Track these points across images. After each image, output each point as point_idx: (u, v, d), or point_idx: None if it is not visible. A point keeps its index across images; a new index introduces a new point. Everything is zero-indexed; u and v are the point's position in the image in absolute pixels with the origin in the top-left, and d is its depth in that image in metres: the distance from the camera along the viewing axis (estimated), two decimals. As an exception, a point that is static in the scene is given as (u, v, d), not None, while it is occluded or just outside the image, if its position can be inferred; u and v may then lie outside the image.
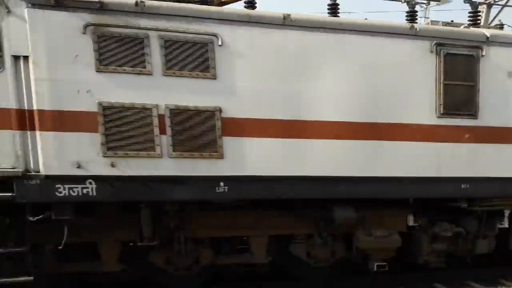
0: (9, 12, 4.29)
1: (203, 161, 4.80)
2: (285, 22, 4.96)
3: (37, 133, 4.37)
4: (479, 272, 6.77)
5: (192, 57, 4.71)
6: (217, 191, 4.85)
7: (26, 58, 4.34)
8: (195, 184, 4.81)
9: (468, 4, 6.17)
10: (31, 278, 4.48)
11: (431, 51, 5.41)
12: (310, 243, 5.71)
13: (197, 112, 4.74)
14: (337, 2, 5.44)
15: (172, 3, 4.78)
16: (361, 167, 5.23)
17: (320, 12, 7.69)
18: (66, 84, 4.41)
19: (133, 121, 4.60)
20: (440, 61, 5.42)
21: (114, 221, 4.98)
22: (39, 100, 4.34)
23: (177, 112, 4.69)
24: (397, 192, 5.44)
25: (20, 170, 4.35)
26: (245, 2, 5.15)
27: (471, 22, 6.11)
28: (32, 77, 4.34)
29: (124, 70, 4.55)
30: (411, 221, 5.95)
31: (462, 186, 5.64)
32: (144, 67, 4.60)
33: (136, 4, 4.53)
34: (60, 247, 4.64)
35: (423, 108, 5.45)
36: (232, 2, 5.97)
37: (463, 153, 5.60)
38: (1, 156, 4.31)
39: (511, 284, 6.41)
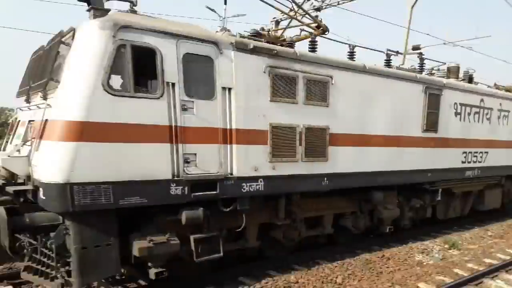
0: (221, 53, 5.64)
1: (318, 164, 6.91)
2: (363, 69, 7.44)
3: (234, 146, 5.82)
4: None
5: (319, 91, 6.77)
6: (323, 184, 7.05)
7: (229, 89, 5.75)
8: (312, 179, 6.90)
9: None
10: (221, 254, 5.92)
11: (422, 91, 8.64)
12: (354, 217, 8.32)
13: (319, 129, 6.84)
14: (390, 59, 8.26)
15: (306, 52, 6.74)
16: (391, 164, 8.11)
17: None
18: (252, 110, 5.98)
19: (286, 136, 6.42)
20: (426, 98, 8.70)
21: (258, 208, 6.62)
22: (237, 121, 5.81)
23: (308, 130, 6.69)
24: (406, 179, 8.53)
25: (223, 174, 5.76)
26: (348, 53, 7.44)
27: (439, 75, 9.71)
28: (233, 104, 5.77)
29: (284, 100, 6.34)
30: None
31: (428, 175, 9.09)
32: (295, 98, 6.47)
33: (294, 52, 6.36)
34: (239, 229, 6.17)
35: (416, 126, 8.64)
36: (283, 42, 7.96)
37: (431, 154, 9.04)
38: (212, 164, 5.65)
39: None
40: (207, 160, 5.60)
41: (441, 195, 9.77)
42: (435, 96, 8.95)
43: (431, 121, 8.92)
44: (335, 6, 11.13)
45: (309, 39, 7.40)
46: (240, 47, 5.83)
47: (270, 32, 7.20)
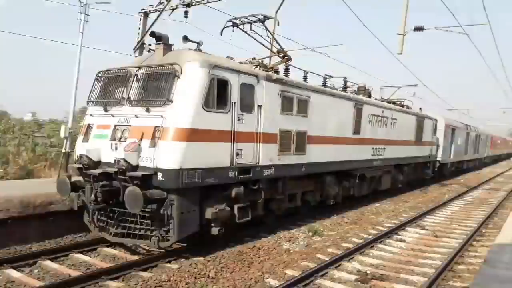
0: (259, 82, 8.46)
1: (301, 156, 10.08)
2: (325, 92, 10.90)
3: (260, 144, 8.65)
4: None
5: (303, 107, 9.96)
6: (302, 170, 10.26)
7: (260, 106, 8.58)
8: (298, 167, 10.05)
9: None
10: (249, 218, 8.66)
11: (353, 106, 12.48)
12: (312, 194, 11.66)
13: (302, 132, 10.02)
14: (325, 81, 11.85)
15: (299, 81, 9.93)
16: (336, 156, 11.71)
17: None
18: (271, 120, 8.89)
19: (286, 137, 9.45)
20: (355, 110, 12.57)
21: (268, 187, 9.36)
22: (264, 127, 8.67)
23: (297, 133, 9.83)
24: (343, 167, 12.21)
25: (254, 163, 8.56)
26: (323, 82, 10.85)
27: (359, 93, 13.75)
28: (262, 116, 8.62)
29: (287, 113, 9.40)
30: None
31: (354, 164, 12.95)
32: (292, 112, 9.57)
33: (292, 81, 9.49)
34: (259, 201, 9.00)
35: (349, 130, 12.42)
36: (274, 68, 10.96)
37: (356, 149, 12.93)
38: (249, 156, 8.38)
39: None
40: (247, 154, 8.34)
41: (358, 178, 13.79)
42: (359, 109, 12.90)
43: (357, 126, 12.83)
44: (203, 4, 12.56)
45: (283, 65, 10.51)
46: (268, 79, 8.76)
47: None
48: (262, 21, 9.78)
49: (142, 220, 7.39)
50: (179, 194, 7.19)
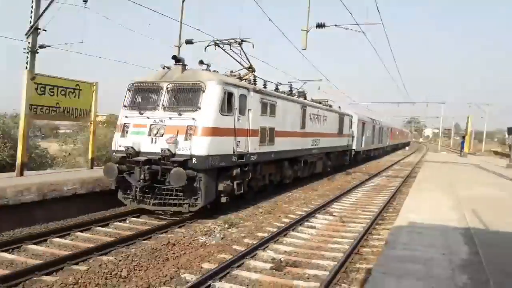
0: (249, 93, 11.89)
1: (271, 146, 13.64)
2: (285, 98, 14.70)
3: (249, 137, 12.03)
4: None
5: (273, 109, 13.59)
6: (272, 156, 13.86)
7: (250, 110, 11.99)
8: (270, 154, 13.59)
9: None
10: (242, 191, 12.01)
11: (301, 108, 16.42)
12: (274, 175, 15.20)
13: (272, 128, 13.60)
14: (278, 87, 15.96)
15: (270, 91, 13.53)
16: (291, 146, 15.51)
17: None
18: (255, 120, 12.33)
19: (264, 132, 12.94)
20: (301, 111, 16.54)
21: (252, 169, 12.68)
22: (251, 125, 12.08)
23: (270, 129, 13.37)
24: (294, 154, 16.08)
25: (246, 151, 11.91)
26: (275, 88, 14.54)
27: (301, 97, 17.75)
28: (250, 117, 12.03)
29: (264, 114, 12.96)
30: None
31: (301, 152, 16.90)
32: (266, 113, 13.14)
33: (267, 91, 13.15)
34: (248, 178, 12.36)
35: (298, 126, 16.31)
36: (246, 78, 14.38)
37: (302, 141, 16.87)
38: (243, 146, 11.74)
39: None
40: (242, 144, 11.67)
41: (303, 163, 17.77)
42: (304, 110, 16.89)
43: (303, 123, 16.79)
44: None
45: (251, 75, 13.88)
46: (254, 90, 12.26)
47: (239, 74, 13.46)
48: (240, 43, 13.13)
49: (177, 193, 10.35)
50: (205, 173, 10.32)
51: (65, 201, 10.65)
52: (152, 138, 10.51)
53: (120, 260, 7.11)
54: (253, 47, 13.29)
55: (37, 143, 22.78)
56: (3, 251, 7.65)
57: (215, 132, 10.36)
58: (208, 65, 11.44)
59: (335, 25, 16.18)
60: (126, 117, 11.13)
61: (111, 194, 11.31)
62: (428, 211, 9.89)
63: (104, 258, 7.40)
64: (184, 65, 11.26)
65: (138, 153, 10.47)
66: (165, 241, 8.35)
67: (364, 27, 15.47)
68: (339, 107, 26.27)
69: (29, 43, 12.17)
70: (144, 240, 8.72)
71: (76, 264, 7.06)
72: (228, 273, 6.76)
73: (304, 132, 16.96)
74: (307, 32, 14.63)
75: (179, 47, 17.71)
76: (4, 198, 9.23)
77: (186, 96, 10.66)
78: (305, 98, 18.79)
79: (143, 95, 11.25)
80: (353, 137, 27.91)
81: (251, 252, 7.77)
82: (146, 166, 10.16)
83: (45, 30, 12.27)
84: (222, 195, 11.10)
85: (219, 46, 13.11)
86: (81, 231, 9.33)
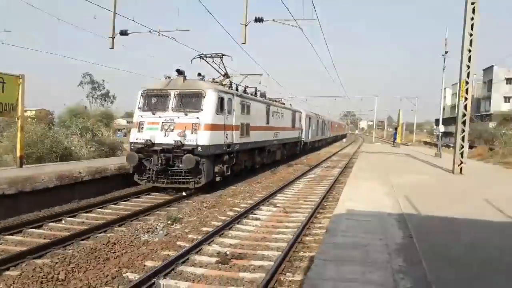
0: (234, 97, 15.49)
1: (248, 138, 17.13)
2: (256, 100, 18.65)
3: (234, 131, 15.51)
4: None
5: (247, 109, 17.18)
6: (248, 146, 17.42)
7: (234, 110, 15.51)
8: (246, 144, 17.08)
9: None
10: (229, 173, 15.47)
11: (266, 107, 20.37)
12: (249, 161, 18.36)
13: (247, 124, 17.10)
14: (246, 90, 20.62)
15: (247, 95, 17.46)
16: (260, 138, 19.11)
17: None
18: (237, 117, 15.83)
19: (242, 127, 16.41)
20: (267, 109, 20.52)
21: (236, 156, 15.81)
22: (235, 122, 15.59)
23: (246, 124, 16.87)
24: (263, 144, 19.91)
25: (232, 142, 15.36)
26: (244, 90, 18.91)
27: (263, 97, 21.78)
28: (234, 115, 15.57)
29: (242, 113, 16.56)
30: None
31: (267, 143, 20.56)
32: (244, 112, 16.76)
33: (245, 95, 17.06)
34: (233, 163, 15.83)
35: (264, 121, 20.08)
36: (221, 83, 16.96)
37: (267, 133, 20.61)
38: (230, 138, 15.12)
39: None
40: (229, 137, 15.03)
41: (267, 152, 21.31)
42: (268, 108, 20.76)
43: (268, 119, 20.57)
44: None
45: (227, 81, 17.11)
46: (237, 94, 15.77)
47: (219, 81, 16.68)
48: (221, 57, 16.59)
49: (185, 174, 13.41)
50: (207, 158, 13.62)
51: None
52: (164, 133, 13.51)
53: (56, 263, 6.75)
54: (232, 60, 16.97)
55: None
56: None
57: (213, 127, 13.68)
58: (203, 76, 15.00)
59: (273, 20, 16.35)
60: (141, 116, 14.02)
61: (43, 193, 11.05)
62: (365, 198, 10.25)
63: (39, 261, 6.97)
64: (184, 76, 14.34)
65: (153, 144, 13.41)
66: (104, 241, 8.06)
67: (301, 22, 15.84)
68: (290, 104, 30.42)
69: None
70: (82, 240, 8.30)
71: (7, 269, 6.60)
72: (172, 269, 6.65)
73: (268, 126, 20.71)
74: (246, 26, 14.67)
75: (113, 38, 17.01)
76: None
77: (190, 100, 13.84)
78: (265, 98, 22.16)
79: (154, 99, 14.27)
80: (302, 130, 31.83)
81: (196, 247, 7.71)
82: (162, 154, 13.16)
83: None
84: (217, 175, 14.56)
85: (203, 58, 16.42)
86: (11, 234, 8.69)
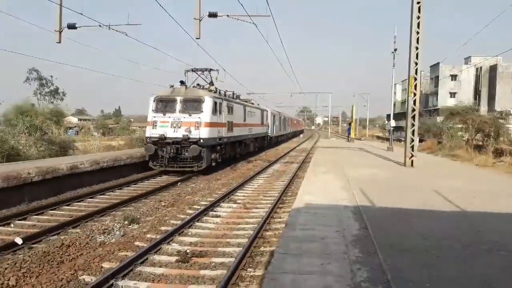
0: (223, 101, 20.14)
1: (232, 133, 21.71)
2: (238, 103, 23.50)
3: (223, 128, 20.07)
4: None
5: (231, 110, 21.87)
6: (233, 139, 22.07)
7: (223, 111, 20.05)
8: (230, 138, 21.62)
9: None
10: (220, 160, 20.01)
11: (243, 107, 25.09)
12: (231, 152, 22.67)
13: (231, 122, 21.69)
14: (226, 94, 25.46)
15: (231, 98, 22.25)
16: (240, 133, 23.89)
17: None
18: (225, 117, 20.40)
19: (228, 124, 21.03)
20: (244, 109, 25.19)
21: (225, 147, 20.17)
22: (224, 120, 20.17)
23: (231, 122, 21.48)
24: (242, 138, 24.67)
25: (223, 136, 20.03)
26: (224, 93, 23.21)
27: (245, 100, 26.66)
28: (223, 115, 20.20)
29: (229, 113, 21.11)
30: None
31: (244, 137, 25.20)
32: (229, 112, 21.39)
33: (233, 97, 22.19)
34: (222, 153, 20.37)
35: (242, 119, 24.66)
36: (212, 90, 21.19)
37: (244, 129, 25.24)
38: (222, 133, 19.69)
39: None
40: (221, 132, 19.59)
41: (244, 145, 25.64)
42: (245, 109, 25.36)
43: (244, 117, 25.08)
44: None
45: (213, 87, 21.31)
46: (225, 99, 20.46)
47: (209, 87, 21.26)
48: (209, 71, 21.65)
49: (191, 160, 17.60)
50: (207, 148, 17.92)
51: None
52: (174, 129, 17.76)
53: (6, 268, 6.43)
54: (218, 73, 22.05)
55: None
56: None
57: (211, 125, 18.13)
58: (202, 86, 20.04)
59: (227, 15, 16.19)
60: (154, 117, 18.16)
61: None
62: (322, 192, 10.40)
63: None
64: (186, 86, 18.94)
65: (166, 138, 17.60)
66: (58, 243, 7.70)
67: (256, 19, 15.94)
68: (258, 104, 35.37)
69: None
70: (34, 244, 7.94)
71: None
72: (131, 270, 6.48)
73: (245, 123, 25.26)
74: (200, 20, 14.45)
75: (60, 31, 16.25)
76: None
77: (192, 104, 18.14)
78: (239, 99, 26.52)
79: (164, 104, 18.39)
80: (268, 126, 36.62)
81: (155, 246, 7.52)
82: (173, 145, 17.43)
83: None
84: (212, 162, 18.77)
85: (194, 71, 21.36)
86: (-51, 242, 7.87)
